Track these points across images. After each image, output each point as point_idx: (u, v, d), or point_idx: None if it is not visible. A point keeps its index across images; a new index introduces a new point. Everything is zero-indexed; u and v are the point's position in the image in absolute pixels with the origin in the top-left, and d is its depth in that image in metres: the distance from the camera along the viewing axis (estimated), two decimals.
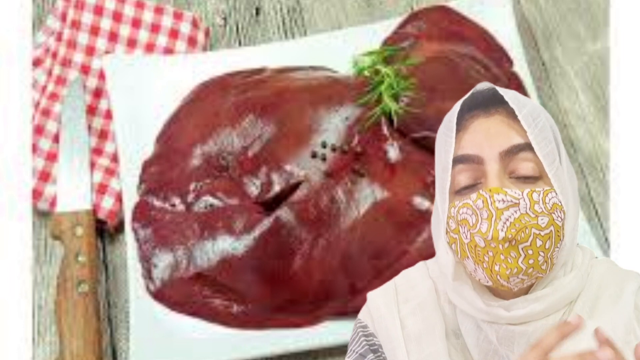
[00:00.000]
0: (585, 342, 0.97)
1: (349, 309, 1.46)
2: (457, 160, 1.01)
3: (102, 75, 1.64)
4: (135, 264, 1.49)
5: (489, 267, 0.98)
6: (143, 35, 1.67)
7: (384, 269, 1.47)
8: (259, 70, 1.64)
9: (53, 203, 1.55)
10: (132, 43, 1.67)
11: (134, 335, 1.44)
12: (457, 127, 1.03)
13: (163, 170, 1.56)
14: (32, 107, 1.60)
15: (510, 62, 1.65)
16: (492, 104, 1.03)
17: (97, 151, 1.60)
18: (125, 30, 1.67)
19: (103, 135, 1.62)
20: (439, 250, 1.06)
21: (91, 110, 1.63)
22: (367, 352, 1.10)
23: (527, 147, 1.00)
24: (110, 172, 1.58)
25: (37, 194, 1.56)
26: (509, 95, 1.02)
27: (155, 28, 1.68)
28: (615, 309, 1.03)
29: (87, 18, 1.66)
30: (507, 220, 0.96)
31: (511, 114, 1.02)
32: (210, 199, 1.52)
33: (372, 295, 1.12)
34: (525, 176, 0.99)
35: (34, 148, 1.58)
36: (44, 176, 1.57)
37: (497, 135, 1.00)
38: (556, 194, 0.99)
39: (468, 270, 1.02)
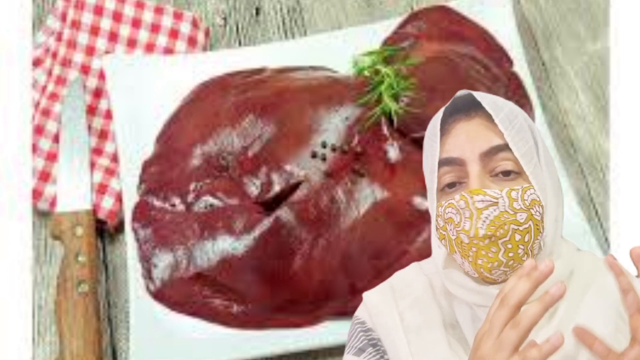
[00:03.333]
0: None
1: (349, 309, 1.46)
2: (442, 163, 1.08)
3: (102, 75, 1.64)
4: (135, 264, 1.49)
5: (474, 260, 1.04)
6: (143, 35, 1.67)
7: (384, 269, 1.47)
8: (259, 70, 1.64)
9: (53, 203, 1.55)
10: (132, 43, 1.67)
11: (134, 335, 1.44)
12: (441, 132, 1.10)
13: (163, 170, 1.56)
14: (32, 107, 1.60)
15: (510, 62, 1.65)
16: (473, 107, 1.10)
17: (97, 151, 1.60)
18: (125, 30, 1.67)
19: (103, 135, 1.62)
20: (433, 244, 1.12)
21: (91, 110, 1.63)
22: (366, 346, 1.12)
23: (505, 147, 1.06)
24: (110, 172, 1.58)
25: (37, 194, 1.56)
26: (487, 100, 1.08)
27: (155, 28, 1.68)
28: (607, 296, 1.07)
29: (87, 18, 1.66)
30: (487, 218, 1.03)
31: (490, 117, 1.08)
32: (210, 199, 1.52)
33: (368, 295, 1.16)
34: (504, 172, 1.06)
35: (34, 148, 1.58)
36: (44, 176, 1.57)
37: (477, 137, 1.07)
38: (535, 190, 1.05)
39: (457, 263, 1.08)
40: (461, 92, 1.11)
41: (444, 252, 1.09)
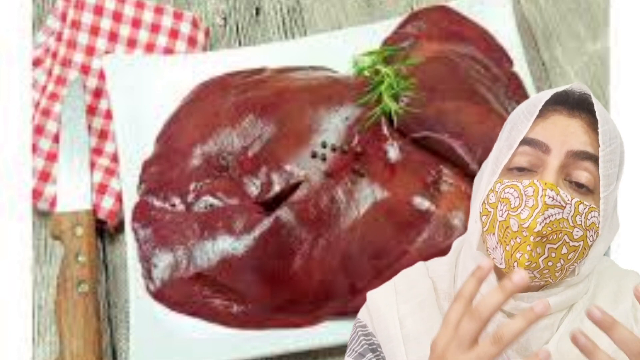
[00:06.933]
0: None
1: (349, 309, 1.46)
2: (526, 141, 1.02)
3: (102, 75, 1.64)
4: (135, 264, 1.49)
5: (512, 251, 1.00)
6: (143, 35, 1.67)
7: (384, 269, 1.47)
8: (259, 70, 1.64)
9: (53, 203, 1.55)
10: (132, 43, 1.67)
11: (134, 335, 1.44)
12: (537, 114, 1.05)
13: (163, 170, 1.56)
14: (32, 107, 1.60)
15: (510, 62, 1.65)
16: (577, 107, 1.04)
17: (97, 151, 1.60)
18: (125, 30, 1.67)
19: (103, 135, 1.62)
20: (471, 219, 1.07)
21: (91, 110, 1.63)
22: (366, 351, 1.11)
23: (594, 159, 1.01)
24: (110, 172, 1.58)
25: (37, 194, 1.56)
26: (599, 107, 1.04)
27: (155, 28, 1.68)
28: (613, 305, 1.05)
29: (87, 18, 1.66)
30: (549, 217, 0.98)
31: (591, 125, 1.03)
32: (210, 199, 1.52)
33: (371, 295, 1.13)
34: (578, 184, 1.01)
35: (34, 148, 1.58)
36: (44, 176, 1.57)
37: (572, 135, 1.02)
38: (598, 214, 1.01)
39: (488, 245, 1.03)
40: (576, 86, 1.06)
41: (480, 229, 1.04)
